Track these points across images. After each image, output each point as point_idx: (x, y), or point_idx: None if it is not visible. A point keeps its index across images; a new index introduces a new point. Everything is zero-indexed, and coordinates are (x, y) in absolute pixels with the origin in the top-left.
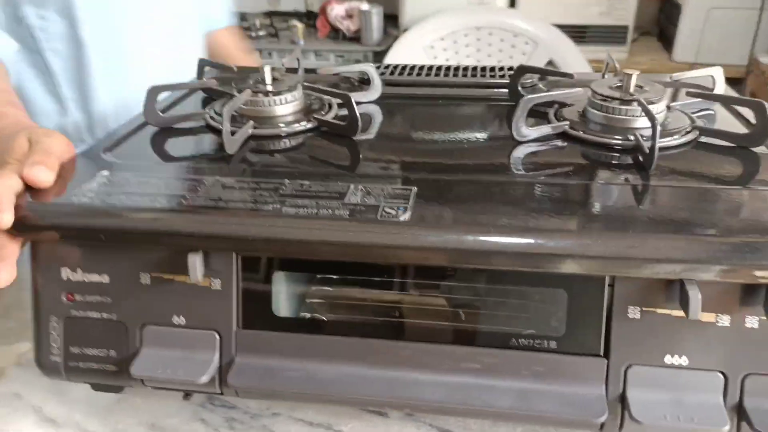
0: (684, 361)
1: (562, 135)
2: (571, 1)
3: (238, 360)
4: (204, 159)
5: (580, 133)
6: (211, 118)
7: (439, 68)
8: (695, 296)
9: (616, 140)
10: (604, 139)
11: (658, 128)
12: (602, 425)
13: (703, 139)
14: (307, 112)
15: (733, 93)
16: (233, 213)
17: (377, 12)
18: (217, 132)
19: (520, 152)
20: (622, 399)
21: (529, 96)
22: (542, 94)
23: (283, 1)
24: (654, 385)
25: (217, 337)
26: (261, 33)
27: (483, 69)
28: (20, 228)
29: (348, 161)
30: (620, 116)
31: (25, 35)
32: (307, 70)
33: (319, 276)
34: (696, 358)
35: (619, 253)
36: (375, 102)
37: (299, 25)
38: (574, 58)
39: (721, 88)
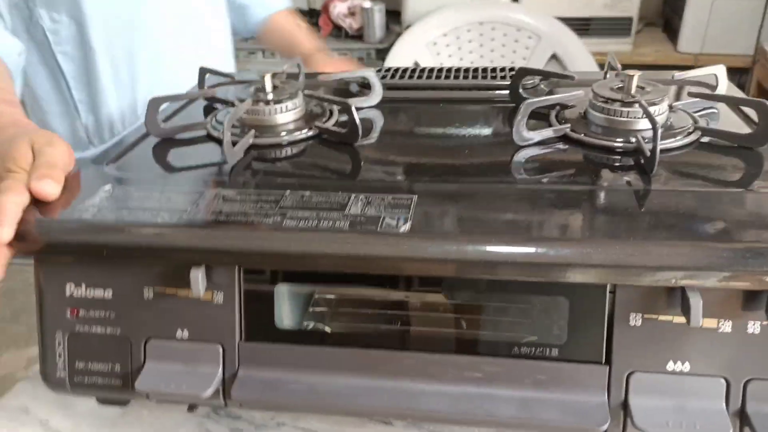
0: (686, 367)
1: (564, 137)
2: None
3: (241, 373)
4: (205, 170)
5: (582, 136)
6: (213, 127)
7: (440, 70)
8: (697, 303)
9: (618, 143)
10: (606, 141)
11: (659, 132)
12: None
13: (706, 139)
14: (308, 119)
15: (736, 90)
16: (234, 227)
17: (379, 9)
18: (219, 142)
19: (521, 157)
20: (625, 406)
21: (530, 100)
22: (542, 98)
23: None
24: (656, 392)
25: (221, 350)
26: None
27: (484, 70)
28: (23, 244)
29: (349, 169)
30: (621, 118)
31: (39, 37)
32: (308, 75)
33: (321, 288)
34: (698, 364)
35: (619, 262)
36: (376, 106)
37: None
38: (578, 52)
39: (723, 86)
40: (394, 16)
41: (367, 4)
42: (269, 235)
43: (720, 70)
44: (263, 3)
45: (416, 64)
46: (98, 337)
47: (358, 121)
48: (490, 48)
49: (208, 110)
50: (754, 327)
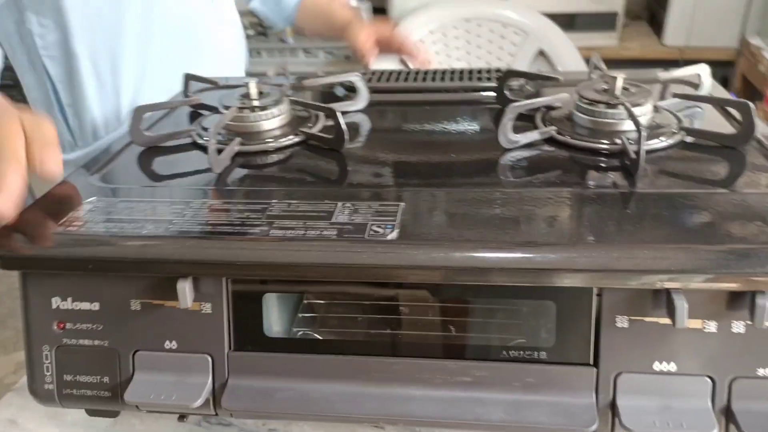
0: (672, 367)
1: (550, 139)
2: None
3: (231, 382)
4: (191, 179)
5: (568, 138)
6: (198, 135)
7: (426, 72)
8: (681, 305)
9: (603, 144)
10: (591, 143)
11: (644, 134)
12: None
13: (690, 139)
14: (294, 125)
15: (720, 89)
16: (221, 238)
17: (366, 8)
18: (205, 149)
19: (507, 159)
20: (613, 407)
21: (515, 104)
22: (528, 101)
23: None
24: (643, 392)
25: (210, 360)
26: (250, 32)
27: (470, 72)
28: (8, 260)
29: (336, 176)
30: (606, 120)
31: (28, 41)
32: (294, 82)
33: (309, 296)
34: (684, 364)
35: (605, 266)
36: (362, 110)
37: None
38: (564, 47)
39: (707, 85)
40: (381, 14)
41: (353, 3)
42: (256, 246)
43: (703, 70)
44: None
45: (403, 62)
46: (86, 349)
47: (344, 126)
48: (477, 45)
49: (194, 116)
50: (738, 327)
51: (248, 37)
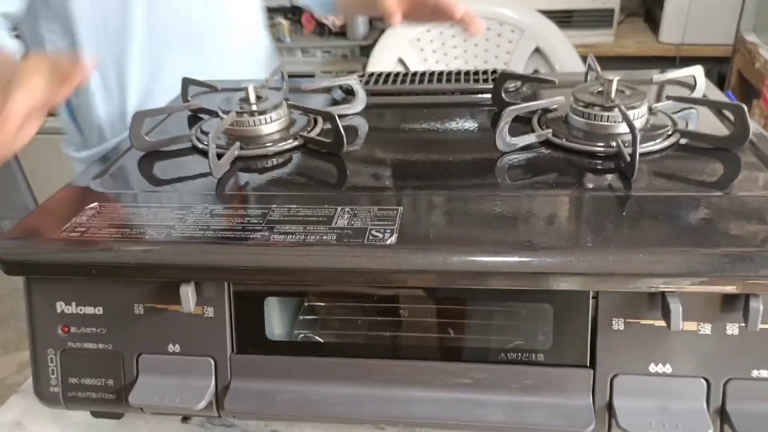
0: (668, 369)
1: (546, 142)
2: None
3: (233, 384)
4: (192, 184)
5: (563, 141)
6: (197, 139)
7: (423, 74)
8: (676, 308)
9: (599, 147)
10: (587, 146)
11: (638, 138)
12: None
13: (685, 141)
14: (292, 129)
15: (714, 89)
16: (222, 243)
17: None
18: (204, 153)
19: (505, 163)
20: (609, 408)
21: (512, 107)
22: (524, 105)
23: None
24: (639, 394)
25: (213, 362)
26: None
27: (467, 73)
28: (12, 266)
29: (335, 179)
30: (602, 122)
31: (40, 45)
32: (294, 81)
33: (310, 298)
34: (679, 365)
35: (601, 270)
36: (360, 113)
37: (284, 23)
38: (561, 45)
39: (702, 87)
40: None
41: None
42: (257, 251)
43: (698, 71)
44: None
45: (401, 60)
46: (90, 352)
47: (342, 130)
48: (474, 42)
49: (193, 120)
50: (732, 329)
51: None
